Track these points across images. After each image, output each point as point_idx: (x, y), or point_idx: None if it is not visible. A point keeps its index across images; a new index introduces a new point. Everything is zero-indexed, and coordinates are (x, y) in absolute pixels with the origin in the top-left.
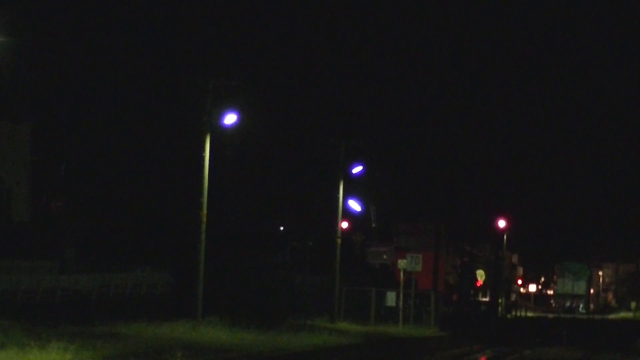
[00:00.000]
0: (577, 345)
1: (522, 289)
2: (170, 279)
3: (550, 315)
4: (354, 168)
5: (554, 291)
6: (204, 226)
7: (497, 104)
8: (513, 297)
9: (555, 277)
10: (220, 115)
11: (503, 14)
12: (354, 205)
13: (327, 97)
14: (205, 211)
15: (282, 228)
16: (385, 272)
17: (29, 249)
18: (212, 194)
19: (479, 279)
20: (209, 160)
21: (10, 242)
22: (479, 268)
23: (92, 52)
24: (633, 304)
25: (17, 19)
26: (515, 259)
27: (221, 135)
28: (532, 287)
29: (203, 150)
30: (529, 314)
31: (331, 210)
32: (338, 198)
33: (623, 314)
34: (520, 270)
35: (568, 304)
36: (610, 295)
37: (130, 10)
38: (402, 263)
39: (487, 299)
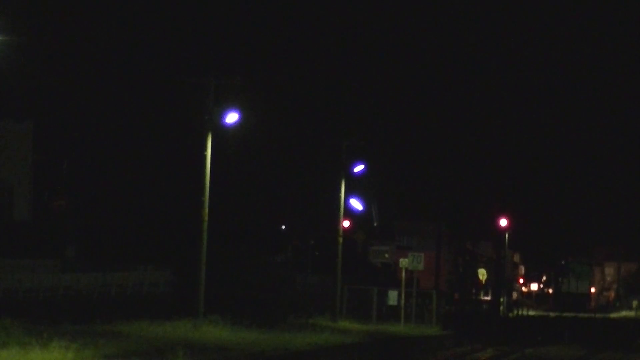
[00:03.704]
0: (578, 343)
1: (523, 288)
2: (171, 277)
3: (552, 314)
4: (355, 167)
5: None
6: (205, 225)
7: (499, 102)
8: (515, 295)
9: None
10: (222, 114)
11: (505, 13)
12: (356, 204)
13: (329, 96)
14: (206, 210)
15: (283, 227)
16: (387, 271)
17: (31, 247)
18: (214, 193)
19: (480, 277)
20: (211, 159)
21: (12, 240)
22: (480, 267)
23: (94, 51)
24: (635, 303)
25: (18, 18)
26: (517, 257)
27: (223, 134)
28: (534, 286)
29: (205, 149)
30: (531, 313)
31: (333, 209)
32: (340, 197)
33: (625, 313)
34: (522, 269)
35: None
36: (612, 294)
37: (131, 10)
38: (403, 262)
39: (488, 298)
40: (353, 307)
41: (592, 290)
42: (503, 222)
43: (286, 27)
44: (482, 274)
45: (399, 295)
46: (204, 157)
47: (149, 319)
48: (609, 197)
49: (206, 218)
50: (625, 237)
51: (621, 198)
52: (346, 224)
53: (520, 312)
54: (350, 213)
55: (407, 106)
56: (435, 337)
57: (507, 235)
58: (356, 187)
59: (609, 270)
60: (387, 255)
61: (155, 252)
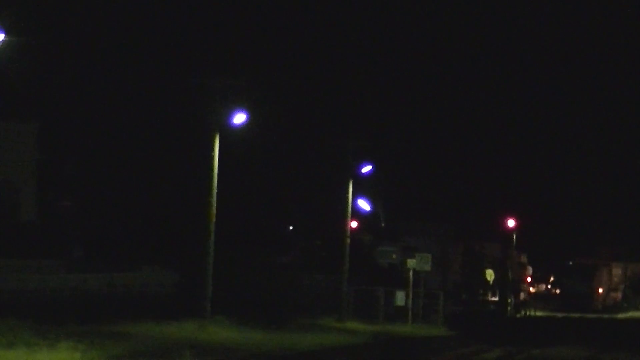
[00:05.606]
0: (585, 344)
1: (531, 288)
2: (178, 278)
3: (559, 315)
4: (362, 168)
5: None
6: (212, 226)
7: (506, 103)
8: (522, 296)
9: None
10: (228, 115)
11: (508, 13)
12: (363, 204)
13: (336, 97)
14: (214, 211)
15: (291, 227)
16: (394, 272)
17: (37, 248)
18: (221, 194)
19: (488, 278)
20: (218, 159)
21: (17, 241)
22: (487, 267)
23: (99, 52)
24: None
25: (21, 18)
26: (524, 258)
27: (230, 135)
28: (541, 287)
29: (211, 149)
30: (539, 313)
31: (340, 210)
32: (347, 198)
33: (632, 313)
34: (530, 270)
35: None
36: (618, 295)
37: (137, 10)
38: (411, 262)
39: (495, 299)
40: (359, 307)
41: (600, 290)
42: (511, 223)
43: (293, 28)
44: (490, 274)
45: (406, 295)
46: (211, 157)
47: (155, 319)
48: (616, 198)
49: (213, 219)
50: (633, 237)
51: (629, 198)
52: (353, 224)
53: (527, 313)
54: (357, 214)
55: (414, 107)
56: (442, 337)
57: (514, 236)
58: (363, 187)
59: (616, 271)
60: (394, 256)
61: (161, 253)
